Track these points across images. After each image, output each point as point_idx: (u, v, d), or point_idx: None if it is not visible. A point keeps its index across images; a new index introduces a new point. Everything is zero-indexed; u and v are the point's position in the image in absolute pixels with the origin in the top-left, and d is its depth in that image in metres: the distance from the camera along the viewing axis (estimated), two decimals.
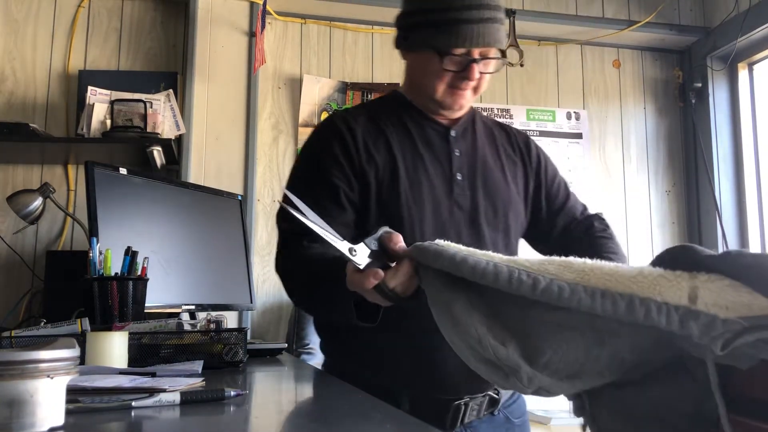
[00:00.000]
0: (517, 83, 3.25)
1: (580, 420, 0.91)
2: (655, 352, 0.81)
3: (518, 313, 0.85)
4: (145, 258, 1.40)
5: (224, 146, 2.78)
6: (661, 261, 0.81)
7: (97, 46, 2.83)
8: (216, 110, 2.78)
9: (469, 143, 1.39)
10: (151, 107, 2.55)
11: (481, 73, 1.29)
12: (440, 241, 0.93)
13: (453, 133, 1.37)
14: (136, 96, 2.56)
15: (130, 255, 1.38)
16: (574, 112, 3.29)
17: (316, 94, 3.01)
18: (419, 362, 1.23)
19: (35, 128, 2.44)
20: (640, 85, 3.38)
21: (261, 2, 2.70)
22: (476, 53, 1.26)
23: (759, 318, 0.70)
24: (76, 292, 1.40)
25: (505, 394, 1.34)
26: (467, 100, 1.33)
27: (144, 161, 2.57)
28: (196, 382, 0.92)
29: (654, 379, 0.83)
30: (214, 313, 1.62)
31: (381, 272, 0.94)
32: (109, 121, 2.51)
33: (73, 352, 0.65)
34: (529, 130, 3.20)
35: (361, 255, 0.95)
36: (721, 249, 3.08)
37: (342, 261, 1.01)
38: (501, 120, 3.13)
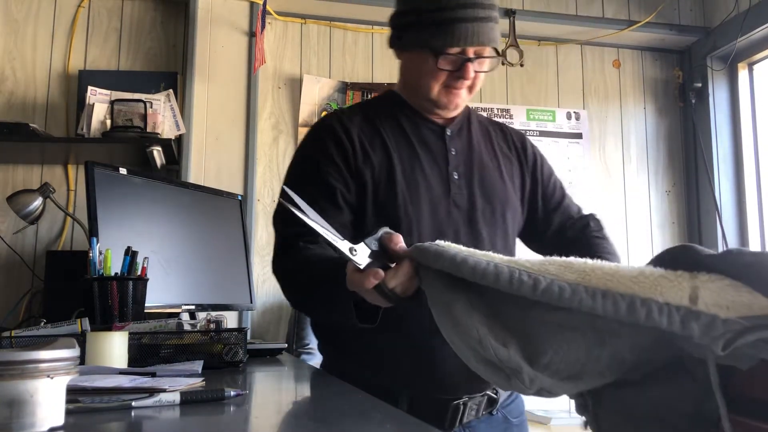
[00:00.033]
0: (517, 83, 3.25)
1: (581, 420, 0.91)
2: (655, 351, 0.81)
3: (519, 314, 0.85)
4: (145, 258, 1.40)
5: (224, 146, 2.78)
6: (660, 261, 0.81)
7: (97, 46, 2.83)
8: (216, 110, 2.78)
9: (464, 142, 1.38)
10: (151, 107, 2.55)
11: (476, 72, 1.29)
12: (441, 242, 0.93)
13: (449, 132, 1.37)
14: (136, 96, 2.56)
15: (130, 255, 1.38)
16: (574, 112, 3.29)
17: (316, 94, 3.01)
18: (418, 362, 1.23)
19: (35, 128, 2.44)
20: (640, 85, 3.38)
21: (261, 2, 2.70)
22: (471, 52, 1.26)
23: (759, 318, 0.70)
24: (76, 292, 1.40)
25: (503, 394, 1.34)
26: (462, 99, 1.33)
27: (144, 161, 2.57)
28: (196, 382, 0.92)
29: (654, 379, 0.83)
30: (214, 313, 1.62)
31: (381, 272, 0.94)
32: (109, 121, 2.51)
33: (73, 352, 0.65)
34: (529, 130, 3.20)
35: (361, 255, 0.95)
36: (721, 249, 3.07)
37: (341, 262, 1.01)
38: (501, 120, 3.14)
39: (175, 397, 0.80)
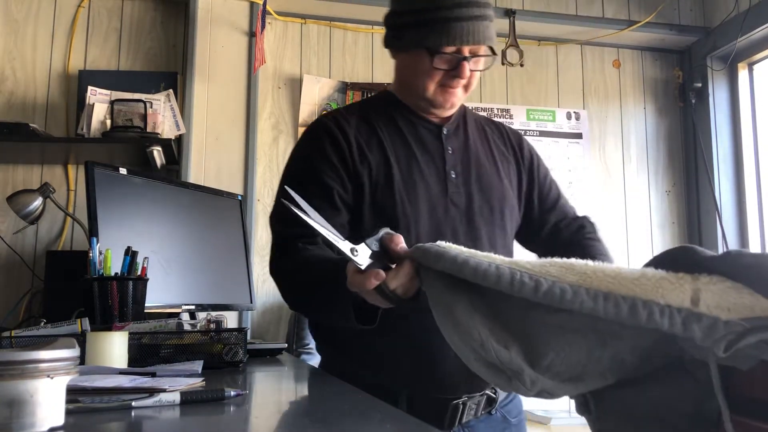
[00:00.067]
0: (517, 83, 3.24)
1: (581, 420, 0.91)
2: (656, 352, 0.81)
3: (520, 315, 0.85)
4: (145, 258, 1.40)
5: (224, 146, 2.78)
6: (660, 262, 0.81)
7: (97, 46, 2.83)
8: (216, 110, 2.78)
9: (461, 141, 1.38)
10: (151, 107, 2.55)
11: (471, 70, 1.29)
12: (442, 243, 0.93)
13: (445, 131, 1.37)
14: (136, 96, 2.56)
15: (130, 255, 1.38)
16: (574, 112, 3.29)
17: (316, 94, 3.01)
18: (418, 362, 1.23)
19: (35, 128, 2.44)
20: (640, 85, 3.38)
21: (261, 2, 2.70)
22: (466, 51, 1.26)
23: (761, 319, 0.70)
24: (76, 292, 1.40)
25: (502, 394, 1.34)
26: (458, 98, 1.33)
27: (144, 161, 2.57)
28: (196, 382, 0.92)
29: (654, 379, 0.83)
30: (214, 313, 1.62)
31: (382, 273, 0.93)
32: (109, 121, 2.51)
33: (73, 352, 0.65)
34: (529, 130, 3.20)
35: (362, 255, 0.95)
36: (721, 249, 3.07)
37: (341, 262, 1.01)
38: (501, 120, 3.15)
39: (175, 397, 0.80)
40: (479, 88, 3.19)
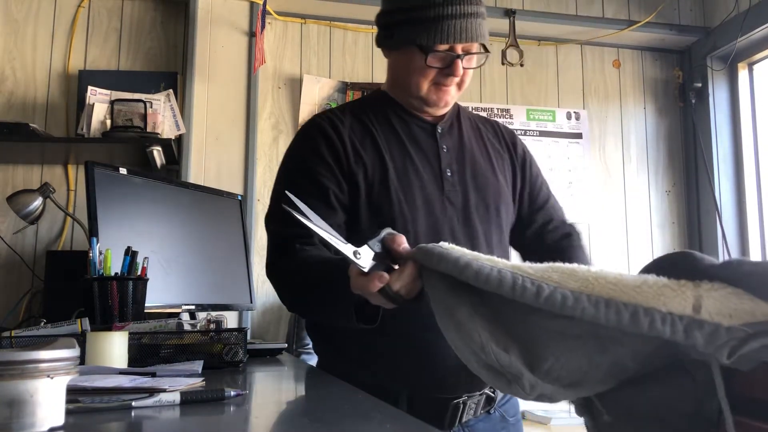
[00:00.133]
0: (517, 83, 3.25)
1: (581, 420, 0.91)
2: (657, 356, 0.81)
3: (521, 320, 0.85)
4: (145, 258, 1.40)
5: (224, 146, 2.78)
6: (659, 267, 0.81)
7: (97, 46, 2.83)
8: (216, 110, 2.78)
9: (455, 139, 1.38)
10: (151, 107, 2.55)
11: (464, 68, 1.29)
12: (444, 244, 0.93)
13: (439, 129, 1.37)
14: (136, 96, 2.56)
15: (130, 255, 1.38)
16: (574, 112, 3.29)
17: (316, 94, 3.01)
18: (418, 362, 1.23)
19: (35, 128, 2.44)
20: (640, 85, 3.38)
21: (261, 2, 2.70)
22: (459, 49, 1.26)
23: (762, 324, 0.70)
24: (76, 292, 1.40)
25: (500, 393, 1.34)
26: (452, 97, 1.33)
27: (144, 161, 2.57)
28: (196, 382, 0.92)
29: (654, 379, 0.83)
30: (214, 313, 1.62)
31: (386, 275, 0.93)
32: (109, 121, 2.51)
33: (73, 352, 0.65)
34: (529, 130, 3.20)
35: (365, 257, 0.95)
36: (721, 249, 3.07)
37: (341, 263, 1.01)
38: (501, 120, 3.15)
39: (175, 397, 0.80)
40: (479, 88, 3.19)
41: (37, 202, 2.44)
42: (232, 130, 2.79)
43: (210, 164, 2.75)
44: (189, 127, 2.71)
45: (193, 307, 1.81)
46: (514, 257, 1.47)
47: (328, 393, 1.02)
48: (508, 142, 1.47)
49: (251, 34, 2.85)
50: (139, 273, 1.39)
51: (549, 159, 3.21)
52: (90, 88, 2.58)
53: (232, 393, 0.85)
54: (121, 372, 1.00)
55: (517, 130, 3.15)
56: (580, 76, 3.33)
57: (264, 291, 2.76)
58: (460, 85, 1.32)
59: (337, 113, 1.36)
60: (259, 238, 2.83)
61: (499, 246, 1.35)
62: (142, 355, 1.17)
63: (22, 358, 0.61)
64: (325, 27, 3.09)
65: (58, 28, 2.81)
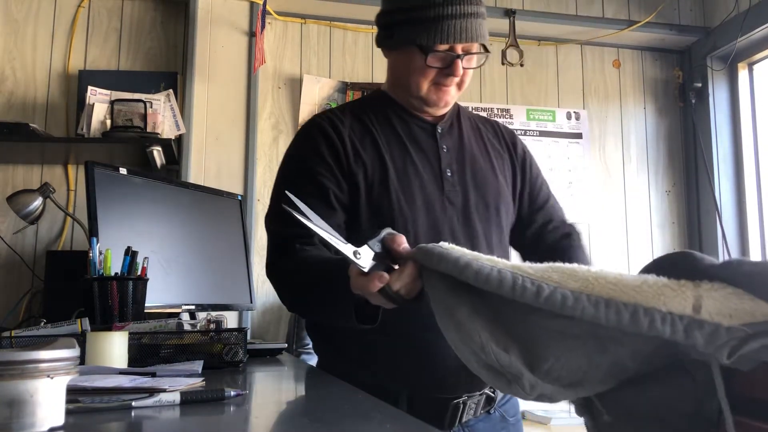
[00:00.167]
0: (517, 83, 3.25)
1: (581, 420, 0.91)
2: (657, 356, 0.81)
3: (521, 320, 0.85)
4: (145, 258, 1.40)
5: (224, 146, 2.78)
6: (659, 267, 0.81)
7: (97, 46, 2.83)
8: (216, 110, 2.78)
9: (455, 139, 1.38)
10: (151, 107, 2.55)
11: (464, 68, 1.29)
12: (444, 244, 0.93)
13: (439, 129, 1.37)
14: (136, 96, 2.56)
15: (130, 255, 1.38)
16: (574, 112, 3.29)
17: (316, 94, 3.01)
18: (418, 362, 1.23)
19: (35, 128, 2.44)
20: (640, 85, 3.38)
21: (261, 2, 2.70)
22: (459, 49, 1.26)
23: (762, 324, 0.70)
24: (76, 292, 1.40)
25: (500, 393, 1.34)
26: (452, 97, 1.33)
27: (144, 161, 2.57)
28: (196, 382, 0.92)
29: (654, 379, 0.83)
30: (214, 313, 1.62)
31: (386, 276, 0.94)
32: (109, 121, 2.51)
33: (73, 352, 0.65)
34: (529, 130, 3.20)
35: (365, 258, 0.95)
36: (721, 249, 3.07)
37: (341, 263, 1.01)
38: (501, 120, 3.15)
39: (175, 397, 0.80)
40: (479, 88, 3.19)
41: (37, 202, 2.45)
42: (232, 130, 2.79)
43: (210, 164, 2.75)
44: (189, 127, 2.71)
45: (193, 307, 1.81)
46: (514, 257, 1.47)
47: (328, 393, 1.02)
48: (508, 142, 1.47)
49: (251, 34, 2.85)
50: (139, 273, 1.39)
51: (549, 159, 3.21)
52: (90, 88, 2.58)
53: (232, 393, 0.85)
54: (121, 372, 1.00)
55: (517, 130, 3.15)
56: (580, 76, 3.33)
57: (264, 291, 2.76)
58: (460, 85, 1.32)
59: (337, 113, 1.36)
60: (259, 238, 2.83)
61: (499, 246, 1.35)
62: (142, 355, 1.17)
63: (22, 358, 0.61)
64: (325, 27, 3.09)
65: (58, 28, 2.81)
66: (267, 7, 2.74)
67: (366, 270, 0.94)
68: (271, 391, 1.15)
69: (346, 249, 0.94)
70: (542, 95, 3.27)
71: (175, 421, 0.75)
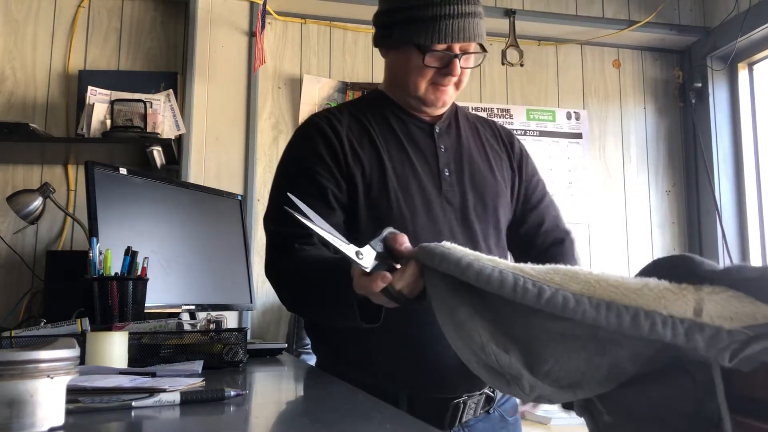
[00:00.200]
0: (517, 83, 3.24)
1: (581, 420, 0.91)
2: (656, 357, 0.81)
3: (521, 321, 0.85)
4: (145, 258, 1.40)
5: (224, 146, 2.78)
6: (658, 268, 0.81)
7: (97, 46, 2.83)
8: (216, 110, 2.78)
9: (453, 138, 1.38)
10: (151, 107, 2.55)
11: (462, 68, 1.29)
12: (446, 243, 0.93)
13: (437, 129, 1.37)
14: (136, 96, 2.56)
15: (130, 255, 1.38)
16: (574, 112, 3.29)
17: (316, 94, 3.01)
18: (417, 362, 1.23)
19: (35, 128, 2.44)
20: (640, 85, 3.38)
21: (261, 2, 2.69)
22: (457, 48, 1.26)
23: (763, 326, 0.70)
24: (76, 292, 1.40)
25: (499, 393, 1.34)
26: (450, 96, 1.33)
27: (144, 161, 2.57)
28: (196, 382, 0.92)
29: (654, 379, 0.83)
30: (214, 313, 1.62)
31: (389, 275, 0.93)
32: (109, 121, 2.51)
33: (73, 352, 0.65)
34: (529, 130, 3.20)
35: (367, 258, 0.95)
36: (721, 249, 3.07)
37: (342, 262, 1.01)
38: (501, 120, 3.15)
39: (175, 397, 0.80)
40: (479, 88, 3.19)
41: (37, 202, 2.44)
42: (232, 130, 2.79)
43: (210, 164, 2.75)
44: (189, 127, 2.71)
45: (193, 307, 1.81)
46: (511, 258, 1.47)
47: (328, 393, 1.02)
48: (506, 141, 1.47)
49: (251, 34, 2.85)
50: (139, 273, 1.39)
51: (549, 159, 3.21)
52: (90, 88, 2.58)
53: (232, 393, 0.85)
54: (121, 372, 1.00)
55: (517, 130, 3.15)
56: (580, 76, 3.33)
57: (264, 291, 2.76)
58: (457, 85, 1.32)
59: (334, 113, 1.36)
60: (259, 238, 2.83)
61: (497, 246, 1.35)
62: (142, 355, 1.17)
63: (22, 358, 0.61)
64: (325, 27, 3.09)
65: (58, 28, 2.81)
66: (267, 7, 2.74)
67: (368, 270, 0.94)
68: (271, 391, 1.15)
69: (349, 249, 0.94)
70: (542, 95, 3.27)
71: (175, 421, 0.75)
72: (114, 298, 1.32)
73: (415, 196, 1.28)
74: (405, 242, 0.97)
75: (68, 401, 0.66)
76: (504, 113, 3.20)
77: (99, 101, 2.55)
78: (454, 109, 1.43)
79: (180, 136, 2.68)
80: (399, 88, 1.36)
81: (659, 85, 3.40)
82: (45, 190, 2.46)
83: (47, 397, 0.62)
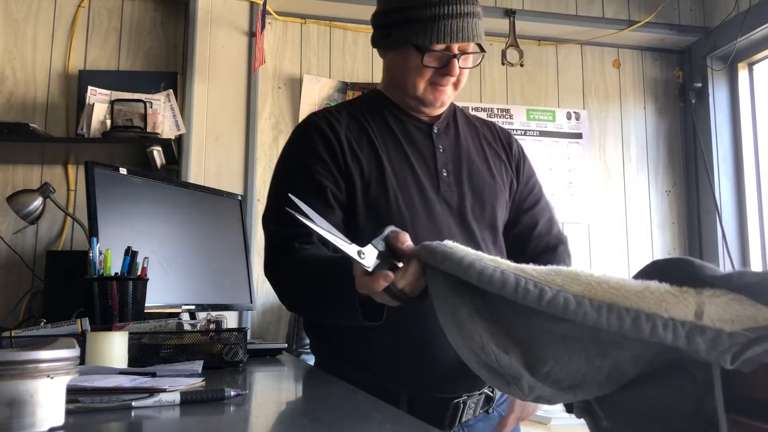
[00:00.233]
0: (517, 83, 3.24)
1: (581, 420, 0.91)
2: (657, 360, 0.81)
3: (522, 322, 0.85)
4: (145, 258, 1.40)
5: (224, 146, 2.78)
6: (658, 270, 0.80)
7: (97, 46, 2.83)
8: (216, 110, 2.78)
9: (452, 139, 1.38)
10: (151, 107, 2.55)
11: (460, 68, 1.29)
12: (449, 242, 0.93)
13: (435, 129, 1.37)
14: (136, 96, 2.56)
15: (130, 255, 1.38)
16: (574, 112, 3.29)
17: (316, 94, 3.01)
18: (417, 361, 1.23)
19: (35, 128, 2.44)
20: (640, 85, 3.38)
21: (261, 2, 2.70)
22: (456, 48, 1.27)
23: (764, 328, 0.70)
24: (76, 292, 1.40)
25: (498, 392, 1.34)
26: (448, 96, 1.33)
27: (144, 161, 2.57)
28: (196, 382, 0.92)
29: (654, 379, 0.83)
30: (214, 313, 1.62)
31: (391, 275, 0.93)
32: (109, 121, 2.51)
33: (73, 352, 0.65)
34: (529, 130, 3.20)
35: (369, 257, 0.95)
36: (721, 249, 3.07)
37: (342, 261, 1.01)
38: (501, 120, 3.15)
39: (175, 397, 0.80)
40: (479, 88, 3.19)
41: (37, 202, 2.44)
42: (232, 130, 2.79)
43: (210, 164, 2.75)
44: (189, 127, 2.71)
45: (193, 307, 1.81)
46: None
47: (328, 393, 1.02)
48: (505, 142, 1.47)
49: (251, 34, 2.85)
50: (139, 273, 1.39)
51: (549, 159, 3.21)
52: (90, 88, 2.58)
53: (232, 393, 0.84)
54: (121, 372, 0.99)
55: (517, 130, 3.15)
56: (580, 76, 3.33)
57: (264, 291, 2.76)
58: (456, 85, 1.32)
59: (333, 112, 1.36)
60: (259, 238, 2.83)
61: (495, 247, 1.35)
62: (142, 355, 1.17)
63: (22, 358, 0.61)
64: (325, 27, 3.09)
65: (58, 28, 2.81)
66: (267, 7, 2.74)
67: (370, 269, 0.94)
68: (271, 391, 1.15)
69: (351, 249, 0.94)
70: (542, 95, 3.27)
71: (175, 421, 0.75)
72: (114, 298, 1.32)
73: (414, 196, 1.28)
74: (407, 241, 0.97)
75: (68, 401, 0.66)
76: (504, 113, 3.20)
77: (99, 101, 2.55)
78: (453, 109, 1.43)
79: (180, 136, 2.68)
80: (397, 89, 1.36)
81: (659, 85, 3.40)
82: (45, 190, 2.46)
83: (47, 397, 0.62)
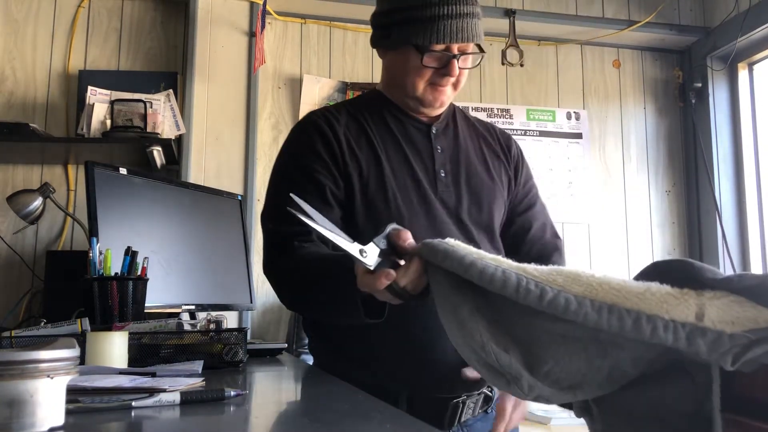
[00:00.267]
0: (517, 83, 3.25)
1: (581, 420, 0.91)
2: (658, 361, 0.81)
3: (523, 321, 0.85)
4: (145, 258, 1.40)
5: (224, 146, 2.78)
6: (658, 271, 0.80)
7: (97, 46, 2.83)
8: (216, 110, 2.78)
9: (450, 140, 1.39)
10: (151, 107, 2.55)
11: (460, 68, 1.29)
12: (450, 240, 0.93)
13: (434, 130, 1.37)
14: (136, 96, 2.56)
15: (130, 255, 1.38)
16: (574, 112, 3.29)
17: (316, 94, 3.01)
18: (417, 361, 1.23)
19: (35, 128, 2.44)
20: (640, 85, 3.38)
21: (261, 2, 2.70)
22: (455, 49, 1.27)
23: (765, 330, 0.70)
24: (76, 292, 1.40)
25: (497, 392, 1.34)
26: (447, 97, 1.33)
27: (144, 161, 2.57)
28: (196, 382, 0.92)
29: (654, 380, 0.83)
30: (214, 313, 1.62)
31: (392, 273, 0.93)
32: (109, 121, 2.51)
33: (73, 352, 0.65)
34: (529, 130, 3.20)
35: (371, 255, 0.95)
36: (721, 249, 3.07)
37: (343, 259, 1.01)
38: (501, 120, 3.15)
39: (175, 397, 0.80)
40: (479, 88, 3.19)
41: (37, 202, 2.45)
42: (232, 130, 2.79)
43: (210, 164, 2.75)
44: (189, 127, 2.71)
45: (193, 307, 1.81)
46: None
47: (328, 393, 1.02)
48: (504, 144, 1.47)
49: (251, 34, 2.85)
50: (139, 273, 1.39)
51: (549, 159, 3.21)
52: (90, 88, 2.58)
53: (232, 393, 0.85)
54: (121, 372, 1.00)
55: (517, 130, 3.15)
56: (580, 76, 3.33)
57: (264, 291, 2.76)
58: (456, 85, 1.32)
59: (332, 111, 1.36)
60: (259, 238, 2.82)
61: (492, 248, 1.35)
62: (142, 355, 1.17)
63: (22, 358, 0.61)
64: (325, 27, 3.09)
65: (58, 28, 2.81)
66: (267, 7, 2.74)
67: (372, 268, 0.94)
68: (271, 391, 1.15)
69: (353, 248, 0.94)
70: (542, 95, 3.27)
71: (175, 421, 0.75)
72: (114, 298, 1.32)
73: (412, 196, 1.28)
74: (408, 238, 0.97)
75: (68, 401, 0.66)
76: (504, 113, 3.20)
77: (99, 101, 2.55)
78: (452, 109, 1.43)
79: (180, 136, 2.68)
80: (397, 89, 1.36)
81: (659, 85, 3.40)
82: (45, 190, 2.46)
83: (47, 397, 0.62)
